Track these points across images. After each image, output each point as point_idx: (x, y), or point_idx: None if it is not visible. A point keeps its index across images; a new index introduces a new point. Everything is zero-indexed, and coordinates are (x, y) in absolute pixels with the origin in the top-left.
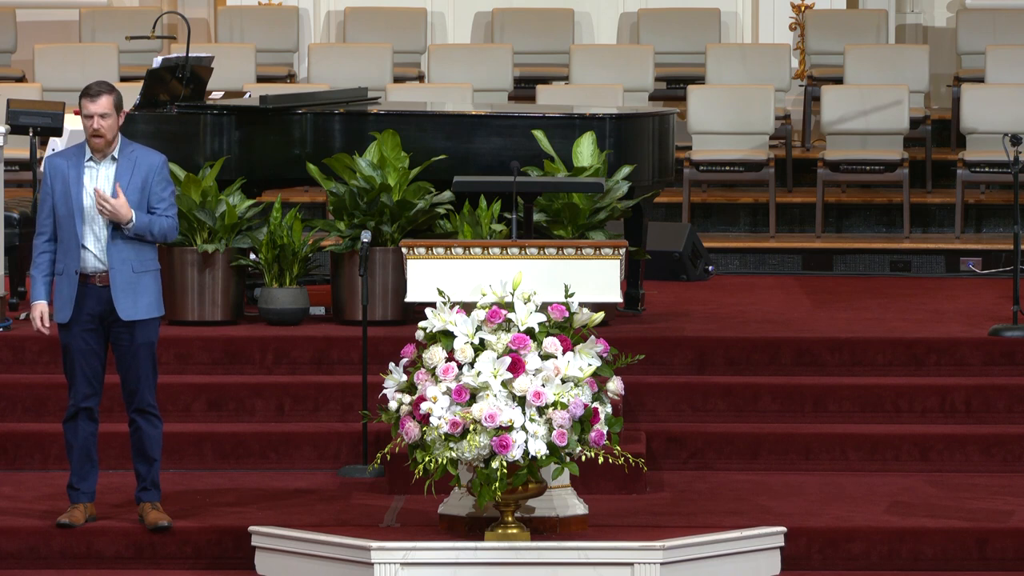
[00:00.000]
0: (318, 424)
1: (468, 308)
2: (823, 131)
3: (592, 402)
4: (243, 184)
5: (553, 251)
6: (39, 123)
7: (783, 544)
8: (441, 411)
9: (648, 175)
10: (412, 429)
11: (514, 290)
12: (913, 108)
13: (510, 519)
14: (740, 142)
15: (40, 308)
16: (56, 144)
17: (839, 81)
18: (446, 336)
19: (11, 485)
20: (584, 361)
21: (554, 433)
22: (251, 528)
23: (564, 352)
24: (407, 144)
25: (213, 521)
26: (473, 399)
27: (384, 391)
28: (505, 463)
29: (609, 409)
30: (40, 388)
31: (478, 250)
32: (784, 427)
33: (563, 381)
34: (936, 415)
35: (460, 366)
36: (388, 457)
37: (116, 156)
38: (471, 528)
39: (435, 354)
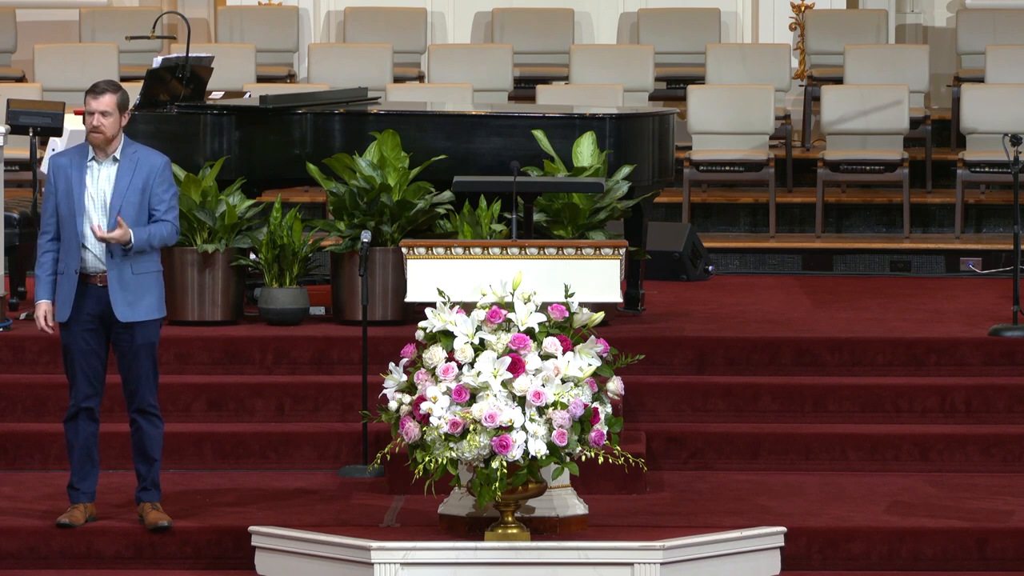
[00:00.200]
0: (318, 424)
1: (468, 308)
2: (823, 131)
3: (592, 402)
4: (243, 184)
5: (553, 251)
6: (39, 123)
7: (783, 544)
8: (441, 411)
9: (648, 175)
10: (412, 429)
11: (514, 290)
12: (913, 108)
13: (510, 519)
14: (740, 142)
15: (44, 308)
16: (56, 144)
17: (839, 81)
18: (446, 336)
19: (11, 485)
20: (584, 361)
21: (554, 433)
22: (251, 528)
23: (564, 352)
24: (407, 144)
25: (213, 521)
26: (473, 399)
27: (384, 391)
28: (505, 463)
29: (609, 409)
30: (40, 388)
31: (478, 250)
32: (784, 427)
33: (563, 381)
34: (936, 415)
35: (460, 366)
36: (388, 457)
37: (118, 156)
38: (471, 528)
39: (435, 354)
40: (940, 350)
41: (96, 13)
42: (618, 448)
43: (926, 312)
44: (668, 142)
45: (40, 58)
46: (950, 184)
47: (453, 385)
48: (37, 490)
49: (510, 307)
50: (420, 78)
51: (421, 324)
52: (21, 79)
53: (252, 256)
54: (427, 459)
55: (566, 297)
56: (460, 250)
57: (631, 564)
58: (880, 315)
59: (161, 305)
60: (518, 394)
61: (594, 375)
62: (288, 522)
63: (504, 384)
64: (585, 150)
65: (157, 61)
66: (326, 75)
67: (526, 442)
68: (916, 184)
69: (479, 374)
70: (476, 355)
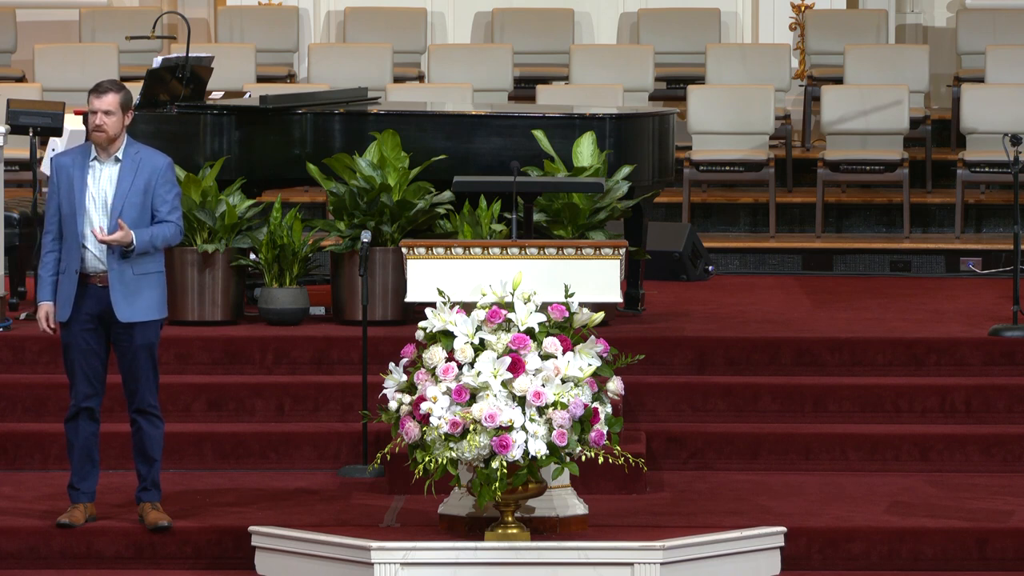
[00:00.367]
0: (318, 424)
1: (468, 308)
2: (823, 131)
3: (592, 402)
4: (243, 184)
5: (553, 251)
6: (39, 123)
7: (783, 544)
8: (441, 411)
9: (648, 175)
10: (412, 429)
11: (514, 290)
12: (913, 108)
13: (510, 519)
14: (740, 142)
15: (45, 309)
16: (56, 144)
17: (839, 81)
18: (446, 336)
19: (11, 485)
20: (584, 361)
21: (554, 433)
22: (251, 528)
23: (564, 352)
24: (407, 144)
25: (213, 521)
26: (473, 399)
27: (384, 391)
28: (505, 463)
29: (609, 409)
30: (40, 388)
31: (478, 250)
32: (784, 427)
33: (563, 381)
34: (936, 415)
35: (460, 366)
36: (388, 457)
37: (120, 157)
38: (471, 528)
39: (435, 354)
40: (940, 350)
41: (96, 13)
42: (618, 448)
43: (926, 312)
44: (668, 142)
45: (40, 58)
46: (950, 184)
47: (453, 385)
48: (37, 490)
49: (510, 307)
50: (420, 78)
51: (421, 324)
52: (21, 79)
53: (252, 256)
54: (427, 459)
55: (566, 297)
56: (460, 250)
57: (631, 564)
58: (880, 315)
59: (162, 306)
60: (518, 394)
61: (594, 375)
62: (288, 522)
63: (504, 384)
64: (585, 150)
65: (157, 61)
66: (326, 75)
67: (526, 442)
68: (916, 184)
69: (479, 374)
70: (476, 355)
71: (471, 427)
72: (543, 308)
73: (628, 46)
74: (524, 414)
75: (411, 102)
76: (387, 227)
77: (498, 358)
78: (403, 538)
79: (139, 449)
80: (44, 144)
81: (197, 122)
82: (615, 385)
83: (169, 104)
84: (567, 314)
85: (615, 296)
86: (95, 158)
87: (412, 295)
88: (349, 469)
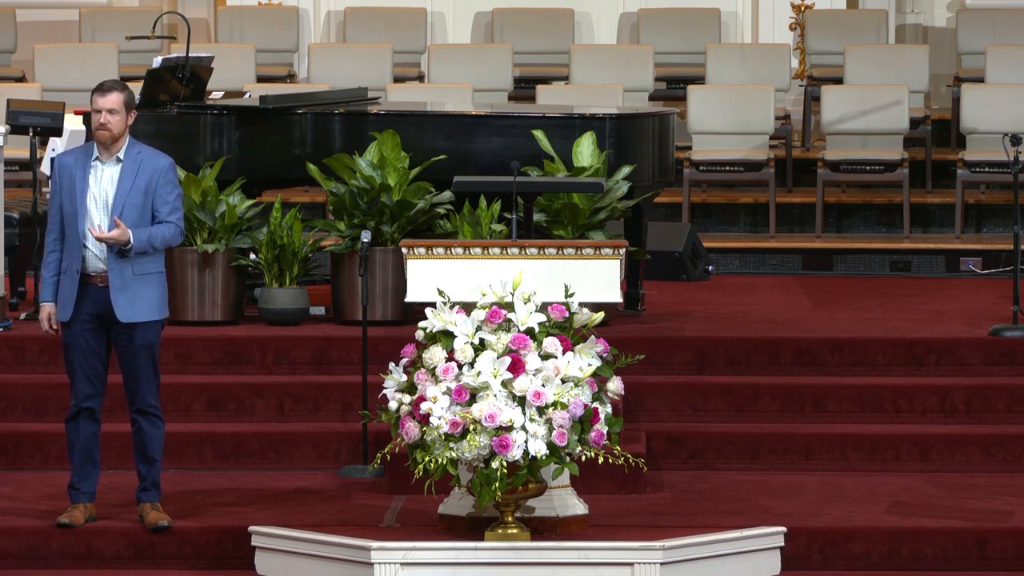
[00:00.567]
0: (318, 424)
1: (468, 308)
2: (823, 131)
3: (592, 402)
4: (243, 184)
5: (553, 251)
6: (39, 123)
7: (783, 544)
8: (441, 411)
9: (648, 175)
10: (412, 429)
11: (514, 290)
12: (913, 108)
13: (510, 519)
14: (740, 142)
15: (47, 309)
16: (56, 144)
17: (839, 81)
18: (446, 336)
19: (11, 485)
20: (584, 361)
21: (554, 433)
22: (251, 528)
23: (564, 352)
24: (407, 144)
25: (213, 521)
26: (473, 399)
27: (384, 391)
28: (505, 463)
29: (609, 409)
30: (40, 388)
31: (478, 250)
32: (784, 427)
33: (563, 381)
34: (936, 415)
35: (460, 366)
36: (388, 457)
37: (122, 157)
38: (471, 528)
39: (435, 354)
40: (940, 350)
41: (96, 13)
42: (618, 448)
43: (926, 312)
44: (668, 142)
45: (40, 58)
46: (950, 184)
47: (453, 385)
48: (37, 490)
49: (510, 307)
50: (420, 78)
51: (421, 324)
52: (21, 79)
53: (252, 256)
54: (427, 459)
55: (566, 297)
56: (460, 250)
57: (631, 564)
58: (880, 315)
59: (163, 306)
60: (518, 394)
61: (594, 375)
62: (288, 522)
63: (504, 384)
64: (585, 150)
65: (157, 61)
66: (326, 75)
67: (526, 442)
68: (916, 184)
69: (479, 374)
70: (476, 355)
71: (471, 427)
72: (543, 308)
73: (628, 46)
74: (524, 414)
75: (411, 102)
76: (387, 227)
77: (498, 358)
78: (403, 538)
79: (139, 449)
80: (44, 144)
81: (197, 122)
82: (615, 385)
83: (169, 104)
84: (567, 314)
85: (615, 296)
86: (97, 158)
87: (412, 295)
88: (349, 469)
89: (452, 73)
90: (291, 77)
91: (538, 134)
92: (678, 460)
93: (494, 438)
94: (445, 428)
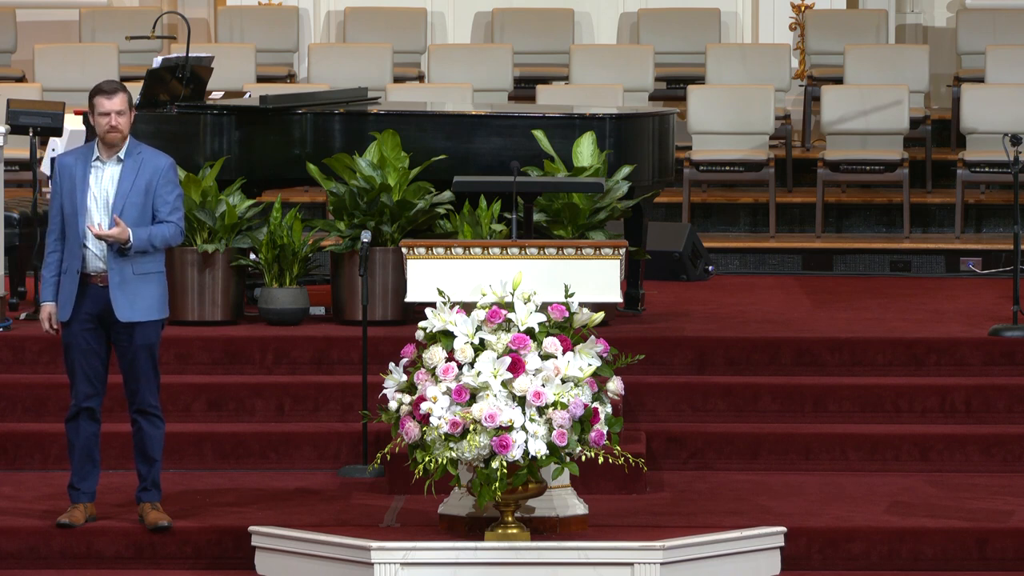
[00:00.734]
0: (318, 424)
1: (468, 308)
2: (823, 131)
3: (592, 402)
4: (243, 184)
5: (553, 251)
6: (39, 123)
7: (783, 544)
8: (441, 411)
9: (648, 175)
10: (412, 429)
11: (514, 290)
12: (913, 108)
13: (510, 519)
14: (740, 142)
15: (48, 310)
16: (56, 144)
17: (839, 81)
18: (446, 336)
19: (11, 485)
20: (584, 361)
21: (554, 433)
22: (251, 528)
23: (564, 352)
24: (407, 144)
25: (213, 521)
26: (473, 399)
27: (384, 391)
28: (505, 463)
29: (609, 409)
30: (40, 388)
31: (478, 250)
32: (784, 427)
33: (563, 381)
34: (936, 415)
35: (460, 366)
36: (388, 457)
37: (122, 157)
38: (471, 528)
39: (435, 354)
40: (940, 350)
41: (96, 13)
42: (618, 448)
43: (926, 312)
44: (668, 142)
45: (40, 58)
46: (950, 184)
47: (453, 385)
48: (37, 490)
49: (510, 307)
50: (420, 78)
51: (421, 324)
52: (21, 79)
53: (252, 256)
54: (427, 459)
55: (566, 297)
56: (460, 250)
57: (631, 564)
58: (880, 315)
59: (163, 306)
60: (518, 394)
61: (594, 375)
62: (288, 522)
63: (504, 384)
64: (585, 150)
65: (157, 61)
66: (326, 75)
67: (526, 442)
68: (916, 184)
69: (479, 374)
70: (476, 355)
71: (471, 427)
72: (543, 308)
73: (628, 46)
74: (524, 414)
75: (411, 102)
76: (387, 227)
77: (498, 358)
78: (403, 538)
79: (139, 449)
80: (44, 144)
81: (197, 122)
82: (615, 385)
83: (169, 104)
84: (567, 314)
85: (615, 296)
86: (98, 158)
87: (412, 295)
88: (349, 469)
89: (452, 73)
90: (291, 77)
91: (538, 134)
92: (678, 460)
93: (494, 438)
94: (445, 428)
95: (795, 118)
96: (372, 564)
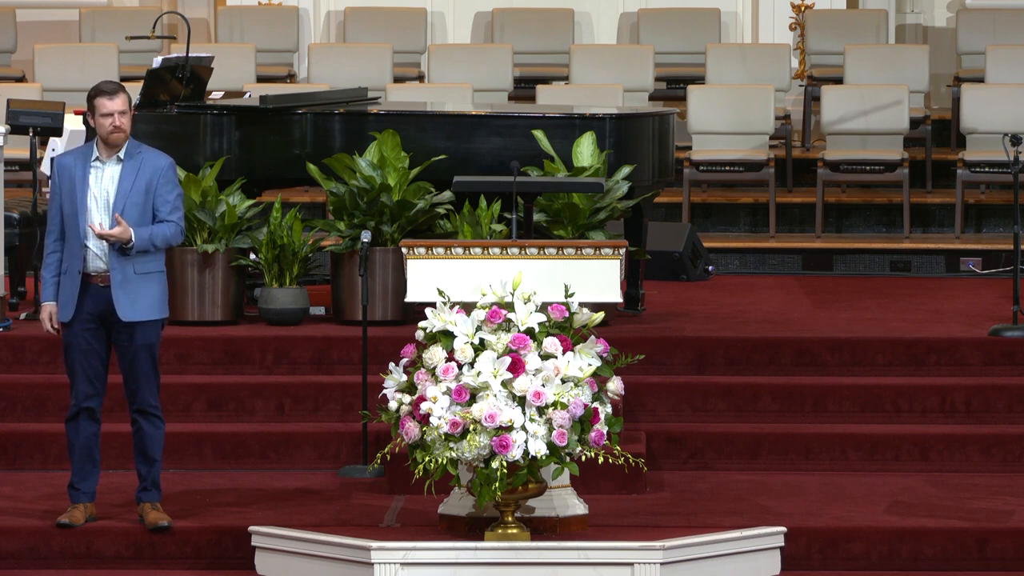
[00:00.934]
0: (318, 424)
1: (468, 308)
2: (823, 131)
3: (592, 402)
4: (243, 184)
5: (553, 251)
6: (39, 123)
7: (783, 544)
8: (441, 411)
9: (648, 175)
10: (412, 429)
11: (514, 290)
12: (913, 108)
13: (510, 519)
14: (740, 142)
15: (48, 310)
16: (56, 144)
17: (839, 81)
18: (446, 336)
19: (11, 485)
20: (584, 361)
21: (554, 433)
22: (251, 528)
23: (564, 352)
24: (407, 144)
25: (213, 521)
26: (473, 399)
27: (384, 391)
28: (505, 463)
29: (609, 409)
30: (40, 388)
31: (478, 250)
32: (784, 427)
33: (563, 381)
34: (936, 415)
35: (460, 366)
36: (388, 457)
37: (122, 156)
38: (471, 528)
39: (435, 354)
40: (940, 350)
41: (96, 13)
42: (618, 448)
43: (926, 312)
44: (668, 142)
45: (40, 58)
46: (950, 184)
47: (453, 385)
48: (37, 490)
49: (510, 307)
50: (420, 78)
51: (421, 324)
52: (21, 79)
53: (252, 256)
54: (427, 459)
55: (566, 297)
56: (460, 250)
57: (631, 564)
58: (880, 315)
59: (163, 306)
60: (518, 394)
61: (594, 375)
62: (288, 522)
63: (504, 384)
64: (585, 150)
65: (157, 61)
66: (326, 75)
67: (526, 442)
68: (916, 184)
69: (479, 374)
70: (476, 355)
71: (471, 427)
72: (543, 308)
73: (628, 46)
74: (524, 414)
75: (411, 102)
76: (387, 227)
77: (498, 358)
78: (403, 538)
79: (139, 449)
80: (44, 144)
81: (197, 122)
82: (615, 385)
83: (169, 104)
84: (567, 314)
85: (615, 296)
86: (97, 158)
87: (412, 295)
88: (349, 469)
89: (452, 73)
90: (291, 77)
91: (538, 134)
92: (678, 460)
93: (494, 438)
94: (445, 428)
95: (795, 118)
96: (372, 564)
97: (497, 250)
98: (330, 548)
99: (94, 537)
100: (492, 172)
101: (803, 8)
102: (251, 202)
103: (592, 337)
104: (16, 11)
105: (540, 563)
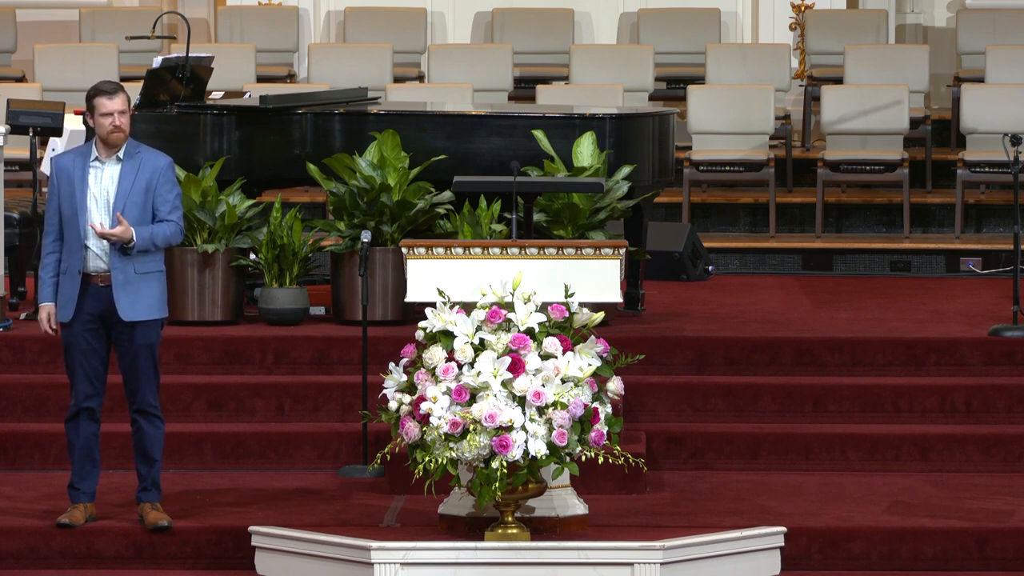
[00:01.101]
0: (318, 424)
1: (468, 308)
2: (823, 131)
3: (592, 402)
4: (243, 184)
5: (553, 251)
6: (39, 123)
7: (783, 544)
8: (441, 411)
9: (648, 175)
10: (412, 429)
11: (514, 290)
12: (913, 108)
13: (510, 519)
14: (740, 142)
15: (47, 310)
16: (56, 144)
17: (839, 81)
18: (446, 336)
19: (11, 485)
20: (584, 361)
21: (554, 433)
22: (251, 528)
23: (564, 352)
24: (407, 144)
25: (213, 521)
26: (473, 399)
27: (384, 391)
28: (505, 463)
29: (609, 409)
30: (40, 388)
31: (478, 250)
32: (784, 427)
33: (563, 381)
34: (936, 415)
35: (460, 366)
36: (388, 457)
37: (121, 156)
38: (471, 528)
39: (435, 354)
40: (940, 350)
41: (96, 13)
42: (618, 448)
43: (926, 312)
44: (668, 142)
45: (40, 58)
46: (950, 184)
47: (453, 385)
48: (37, 490)
49: (510, 307)
50: (420, 78)
51: (421, 324)
52: (21, 79)
53: (252, 256)
54: (427, 459)
55: (566, 297)
56: (460, 250)
57: (631, 564)
58: (880, 315)
59: (163, 305)
60: (518, 394)
61: (594, 375)
62: (288, 522)
63: (504, 384)
64: (585, 150)
65: (157, 61)
66: (326, 75)
67: (526, 442)
68: (916, 184)
69: (479, 374)
70: (476, 355)
71: (471, 427)
72: (543, 308)
73: (628, 46)
74: (524, 414)
75: (411, 102)
76: (387, 227)
77: (498, 358)
78: (403, 538)
79: (139, 449)
80: (44, 144)
81: (197, 122)
82: (615, 385)
83: (169, 104)
84: (567, 314)
85: (615, 296)
86: (96, 158)
87: (412, 295)
88: (349, 469)
89: (452, 73)
90: (291, 77)
91: (538, 134)
92: (678, 460)
93: (494, 438)
94: (445, 428)
95: (795, 118)
96: (372, 564)
97: (497, 250)
98: (330, 548)
99: (94, 537)
100: (492, 172)
101: (803, 8)
102: (251, 202)
103: (592, 337)
104: (16, 11)
105: (540, 563)
